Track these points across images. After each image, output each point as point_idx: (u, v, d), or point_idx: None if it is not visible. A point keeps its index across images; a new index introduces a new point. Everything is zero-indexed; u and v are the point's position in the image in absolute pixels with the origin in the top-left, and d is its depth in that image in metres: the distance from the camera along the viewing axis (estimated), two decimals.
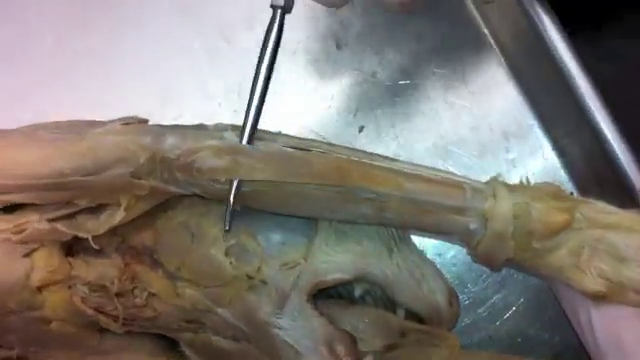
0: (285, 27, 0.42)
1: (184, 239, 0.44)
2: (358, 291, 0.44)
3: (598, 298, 0.39)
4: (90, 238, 0.43)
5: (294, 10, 0.42)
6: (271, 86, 0.43)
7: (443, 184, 0.40)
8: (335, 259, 0.42)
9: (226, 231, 0.41)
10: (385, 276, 0.42)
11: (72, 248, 0.47)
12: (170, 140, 0.40)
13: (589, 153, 0.54)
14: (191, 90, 0.58)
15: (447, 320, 0.45)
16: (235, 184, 0.39)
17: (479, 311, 0.55)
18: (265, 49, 0.41)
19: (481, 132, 0.56)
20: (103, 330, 0.50)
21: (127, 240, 0.46)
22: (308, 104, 0.57)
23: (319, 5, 0.44)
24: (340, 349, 0.42)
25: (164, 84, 0.58)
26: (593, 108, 0.51)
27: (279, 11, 0.41)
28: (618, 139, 0.48)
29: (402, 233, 0.44)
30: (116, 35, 0.61)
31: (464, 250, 0.53)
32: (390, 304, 0.44)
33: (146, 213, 0.46)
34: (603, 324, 0.40)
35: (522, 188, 0.40)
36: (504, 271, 0.55)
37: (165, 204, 0.45)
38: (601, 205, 0.39)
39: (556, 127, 0.56)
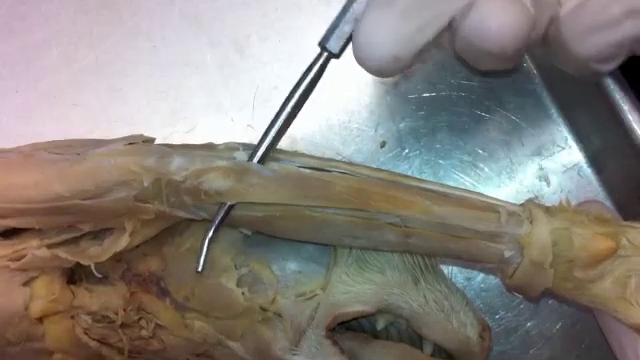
0: None
1: (193, 267, 0.41)
2: (381, 323, 0.41)
3: None
4: (92, 266, 0.40)
5: None
6: None
7: (474, 207, 0.36)
8: (356, 289, 0.39)
9: (197, 272, 0.37)
10: (410, 308, 0.39)
11: (74, 274, 0.44)
12: (176, 162, 0.37)
13: (628, 169, 0.50)
14: (203, 104, 0.55)
15: (478, 355, 0.41)
16: (225, 209, 0.36)
17: (511, 339, 0.51)
18: (299, 86, 0.38)
19: (512, 148, 0.52)
20: None
21: (132, 267, 0.43)
22: (327, 118, 0.54)
23: (334, 13, 0.41)
24: None
25: (175, 98, 0.55)
26: (632, 120, 0.47)
27: (326, 55, 0.37)
28: None
29: (429, 261, 0.40)
30: (124, 47, 0.58)
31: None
32: (416, 338, 0.41)
33: (152, 238, 0.43)
34: None
35: (561, 211, 0.36)
36: None
37: (172, 229, 0.42)
38: None
39: (592, 141, 0.52)
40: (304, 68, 0.53)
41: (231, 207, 0.36)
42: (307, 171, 0.37)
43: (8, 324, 0.42)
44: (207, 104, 0.56)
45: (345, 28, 0.36)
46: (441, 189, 0.37)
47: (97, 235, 0.42)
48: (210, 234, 0.37)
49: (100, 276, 0.40)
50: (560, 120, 0.52)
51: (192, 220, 0.41)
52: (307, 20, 0.56)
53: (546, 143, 0.52)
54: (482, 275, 0.52)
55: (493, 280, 0.52)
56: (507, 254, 0.36)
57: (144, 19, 0.58)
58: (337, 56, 0.38)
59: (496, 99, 0.53)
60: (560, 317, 0.51)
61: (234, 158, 0.37)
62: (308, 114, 0.50)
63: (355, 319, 0.41)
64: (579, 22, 0.34)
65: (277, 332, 0.39)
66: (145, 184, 0.37)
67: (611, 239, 0.35)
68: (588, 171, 0.52)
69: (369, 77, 0.53)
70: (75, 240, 0.42)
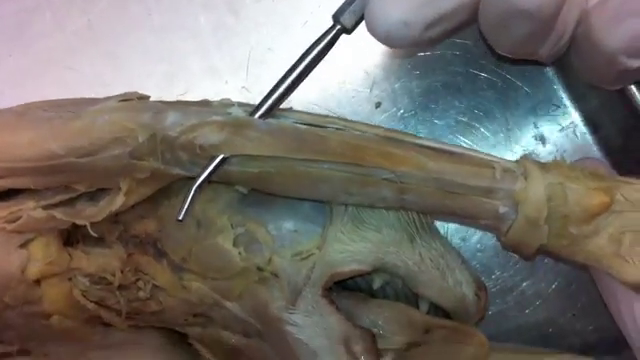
0: None
1: (190, 227, 0.41)
2: (377, 283, 0.41)
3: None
4: (88, 225, 0.40)
5: None
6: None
7: (469, 163, 0.36)
8: (352, 248, 0.39)
9: (178, 221, 0.37)
10: (406, 267, 0.39)
11: (71, 237, 0.44)
12: (171, 117, 0.37)
13: (625, 127, 0.49)
14: (197, 67, 0.55)
15: (474, 314, 0.41)
16: (217, 161, 0.36)
17: (507, 299, 0.51)
18: (305, 57, 0.37)
19: (507, 107, 0.52)
20: (107, 324, 0.48)
21: (129, 229, 0.43)
22: (320, 79, 0.53)
23: None
24: (358, 348, 0.38)
25: (168, 61, 0.55)
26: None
27: (338, 28, 0.37)
28: None
29: (424, 219, 0.40)
30: (117, 10, 0.57)
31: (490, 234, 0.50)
32: (412, 297, 0.41)
33: (149, 199, 0.43)
34: None
35: (556, 167, 0.36)
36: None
37: (168, 189, 0.42)
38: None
39: (588, 100, 0.51)
40: (298, 30, 0.54)
41: (224, 160, 0.36)
42: (303, 126, 0.37)
43: (5, 287, 0.42)
44: (201, 67, 0.56)
45: (361, 4, 0.36)
46: (436, 145, 0.37)
47: (93, 197, 0.42)
48: (197, 183, 0.37)
49: (96, 236, 0.40)
50: (556, 79, 0.52)
51: (188, 179, 0.41)
52: None
53: (542, 102, 0.52)
54: (478, 235, 0.52)
55: (489, 240, 0.52)
56: (502, 210, 0.36)
57: None
58: (349, 31, 0.37)
59: (491, 59, 0.52)
60: (556, 277, 0.52)
61: (229, 113, 0.37)
62: None
63: (351, 278, 0.41)
64: (607, 11, 0.34)
65: (274, 292, 0.39)
66: (140, 140, 0.37)
67: (605, 194, 0.35)
68: (584, 130, 0.52)
69: (365, 38, 0.53)
70: (71, 201, 0.42)
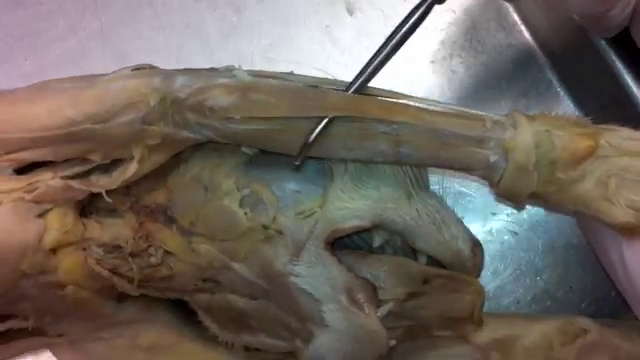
0: None
1: (197, 193, 0.43)
2: (377, 241, 0.42)
3: (627, 230, 0.37)
4: (104, 193, 0.42)
5: None
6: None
7: (462, 116, 0.38)
8: (352, 206, 0.41)
9: (296, 166, 0.40)
10: (404, 222, 0.41)
11: (85, 209, 0.46)
12: (180, 80, 0.39)
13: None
14: (204, 65, 0.57)
15: (470, 269, 0.43)
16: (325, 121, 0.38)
17: (504, 274, 0.53)
18: (401, 28, 0.40)
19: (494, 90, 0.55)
20: (119, 300, 0.50)
21: (140, 200, 0.45)
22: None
23: None
24: (360, 297, 0.40)
25: (177, 59, 0.58)
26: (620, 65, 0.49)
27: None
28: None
29: (421, 178, 0.42)
30: (127, 14, 0.61)
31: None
32: (411, 253, 0.43)
33: (158, 171, 0.45)
34: (635, 259, 0.38)
35: (542, 117, 0.38)
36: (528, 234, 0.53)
37: (177, 159, 0.45)
38: (627, 131, 0.38)
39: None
40: (298, 27, 0.57)
41: (331, 120, 0.38)
42: (304, 86, 0.39)
43: (23, 255, 0.44)
44: (208, 64, 0.58)
45: None
46: (430, 102, 0.39)
47: (107, 169, 0.44)
48: (311, 138, 0.38)
49: (110, 201, 0.42)
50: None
51: (196, 148, 0.44)
52: None
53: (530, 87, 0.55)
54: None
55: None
56: (492, 159, 0.38)
57: None
58: (441, 1, 0.40)
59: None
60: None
61: (234, 76, 0.39)
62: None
63: (350, 236, 0.43)
64: None
65: (278, 248, 0.41)
66: (152, 104, 0.39)
67: (590, 139, 0.37)
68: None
69: None
70: (86, 174, 0.44)
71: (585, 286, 0.54)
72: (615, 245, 0.39)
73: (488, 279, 0.54)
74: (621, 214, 0.37)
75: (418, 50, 0.57)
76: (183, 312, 0.52)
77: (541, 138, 0.37)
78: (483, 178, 0.39)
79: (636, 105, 0.48)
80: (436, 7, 0.41)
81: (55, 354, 0.54)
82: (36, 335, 0.51)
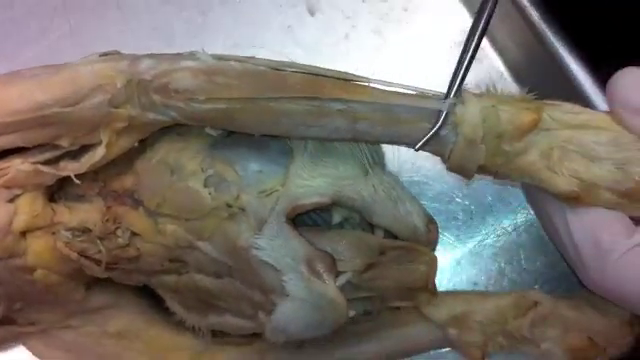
0: None
1: (163, 176, 0.45)
2: (336, 218, 0.44)
3: (571, 198, 0.40)
4: (73, 176, 0.44)
5: None
6: None
7: (413, 95, 0.41)
8: (312, 184, 0.43)
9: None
10: (362, 198, 0.43)
11: (54, 195, 0.48)
12: (146, 63, 0.41)
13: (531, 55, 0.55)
14: None
15: (425, 244, 0.45)
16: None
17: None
18: (476, 28, 0.41)
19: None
20: (88, 287, 0.51)
21: (108, 185, 0.47)
22: None
23: None
24: (320, 267, 0.42)
25: None
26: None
27: None
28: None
29: (377, 156, 0.45)
30: (97, 15, 0.63)
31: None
32: (369, 230, 0.45)
33: (125, 157, 0.47)
34: (580, 226, 0.40)
35: (488, 94, 0.41)
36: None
37: (143, 145, 0.46)
38: (568, 106, 0.40)
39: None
40: (261, 27, 0.59)
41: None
42: (265, 69, 0.41)
43: None
44: None
45: None
46: (384, 82, 0.42)
47: (75, 155, 0.46)
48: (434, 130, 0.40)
49: (79, 182, 0.44)
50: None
51: (162, 133, 0.46)
52: None
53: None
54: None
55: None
56: (442, 133, 0.40)
57: None
58: None
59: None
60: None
61: (198, 59, 0.41)
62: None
63: (311, 213, 0.45)
64: None
65: (242, 225, 0.43)
66: (118, 86, 0.41)
67: (534, 112, 0.40)
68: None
69: None
70: (56, 160, 0.46)
71: (538, 267, 0.56)
72: (560, 213, 0.41)
73: (446, 261, 0.56)
74: (565, 183, 0.40)
75: None
76: (151, 299, 0.54)
77: (488, 113, 0.40)
78: (434, 153, 0.41)
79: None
80: None
81: (26, 345, 0.54)
82: (6, 324, 0.52)
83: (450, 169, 0.42)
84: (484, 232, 0.57)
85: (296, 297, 0.41)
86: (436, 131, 0.40)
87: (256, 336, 0.51)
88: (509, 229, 0.57)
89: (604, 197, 0.40)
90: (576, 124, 0.40)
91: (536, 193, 0.43)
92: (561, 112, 0.40)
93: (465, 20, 0.60)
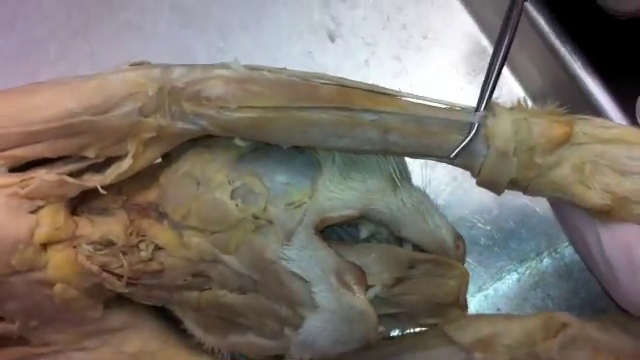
0: None
1: (189, 188, 0.44)
2: (364, 233, 0.44)
3: (603, 213, 0.39)
4: (99, 187, 0.43)
5: None
6: None
7: (444, 107, 0.41)
8: (340, 196, 0.43)
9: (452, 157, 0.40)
10: (390, 211, 0.43)
11: (77, 209, 0.47)
12: (178, 71, 0.41)
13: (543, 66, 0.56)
14: None
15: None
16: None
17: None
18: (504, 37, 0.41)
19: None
20: (106, 306, 0.50)
21: (132, 198, 0.47)
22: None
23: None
24: (349, 279, 0.41)
25: None
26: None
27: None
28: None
29: (404, 171, 0.44)
30: (117, 39, 0.63)
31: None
32: (396, 244, 0.44)
33: (150, 172, 0.47)
34: (612, 242, 0.40)
35: (520, 107, 0.41)
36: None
37: (169, 159, 0.46)
38: (599, 120, 0.41)
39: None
40: (282, 52, 0.59)
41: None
42: (297, 79, 0.41)
43: (14, 250, 0.44)
44: None
45: None
46: (414, 95, 0.42)
47: (100, 169, 0.46)
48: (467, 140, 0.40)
49: (104, 192, 0.43)
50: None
51: (188, 146, 0.45)
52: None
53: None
54: None
55: None
56: (474, 145, 0.40)
57: (135, 14, 0.64)
58: None
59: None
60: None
61: (231, 68, 0.41)
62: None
63: (338, 228, 0.44)
64: None
65: (269, 237, 0.43)
66: (150, 94, 0.41)
67: (566, 125, 0.40)
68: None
69: None
70: (80, 172, 0.46)
71: (561, 293, 0.55)
72: (592, 229, 0.41)
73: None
74: (597, 197, 0.39)
75: None
76: (168, 321, 0.53)
77: (519, 125, 0.40)
78: (464, 167, 0.41)
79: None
80: None
81: None
82: (20, 345, 0.51)
83: (480, 183, 0.41)
84: (506, 258, 0.56)
85: (326, 309, 0.41)
86: (468, 143, 0.39)
87: (277, 358, 0.50)
88: (532, 255, 0.56)
89: (636, 211, 0.40)
90: (607, 138, 0.40)
91: (567, 210, 0.43)
92: (592, 126, 0.40)
93: (484, 47, 0.60)
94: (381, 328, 0.42)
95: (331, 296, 0.41)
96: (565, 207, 0.42)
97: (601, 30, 0.52)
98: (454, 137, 0.40)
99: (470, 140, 0.39)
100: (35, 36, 0.64)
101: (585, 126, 0.40)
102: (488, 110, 0.41)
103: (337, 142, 0.41)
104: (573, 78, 0.53)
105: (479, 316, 0.50)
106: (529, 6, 0.52)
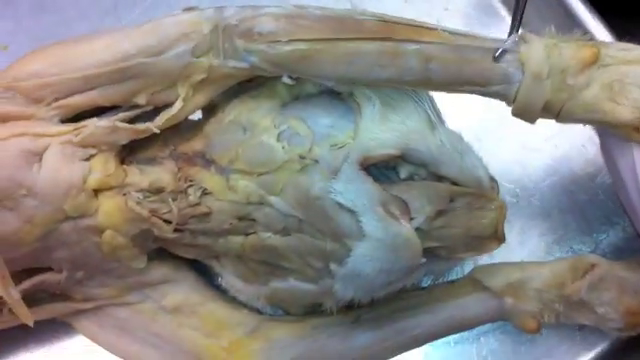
0: None
1: (236, 134, 0.46)
2: (403, 173, 0.46)
3: (635, 129, 0.42)
4: (152, 128, 0.46)
5: None
6: None
7: (480, 37, 0.44)
8: (381, 136, 0.45)
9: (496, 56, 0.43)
10: (429, 150, 0.45)
11: (126, 160, 0.49)
12: (231, 10, 0.44)
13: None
14: None
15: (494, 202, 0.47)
16: None
17: None
18: None
19: None
20: (149, 259, 0.52)
21: (178, 149, 0.48)
22: None
23: None
24: (394, 210, 0.43)
25: None
26: None
27: None
28: None
29: (440, 115, 0.47)
30: (147, 17, 0.65)
31: None
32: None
33: (195, 123, 0.49)
34: None
35: (549, 34, 0.44)
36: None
37: (214, 110, 0.48)
38: (620, 44, 0.44)
39: None
40: None
41: None
42: (343, 13, 0.44)
43: (67, 195, 0.46)
44: None
45: None
46: (451, 28, 0.44)
47: (150, 118, 0.48)
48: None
49: (157, 131, 0.46)
50: None
51: (233, 94, 0.48)
52: None
53: None
54: None
55: None
56: (511, 70, 0.43)
57: None
58: None
59: None
60: None
61: (280, 6, 0.44)
62: None
63: (380, 168, 0.46)
64: None
65: (314, 175, 0.44)
66: (205, 32, 0.43)
67: (593, 47, 0.43)
68: None
69: None
70: (131, 121, 0.48)
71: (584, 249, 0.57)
72: (626, 153, 0.44)
73: None
74: (627, 112, 0.42)
75: None
76: (205, 277, 0.54)
77: (551, 49, 0.43)
78: (500, 97, 0.44)
79: None
80: None
81: (79, 327, 0.54)
82: (63, 301, 0.53)
83: (515, 111, 0.44)
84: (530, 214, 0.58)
85: (372, 237, 0.43)
86: (508, 45, 0.43)
87: (310, 314, 0.51)
88: (554, 211, 0.58)
89: None
90: (630, 59, 0.43)
91: (607, 142, 0.45)
92: (615, 49, 0.43)
93: (508, 22, 0.63)
94: (423, 260, 0.44)
95: (378, 224, 0.43)
96: (605, 137, 0.45)
97: None
98: (491, 64, 0.43)
99: (508, 47, 0.43)
100: (65, 16, 0.65)
101: (609, 49, 0.43)
102: (520, 38, 0.43)
103: (381, 73, 0.43)
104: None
105: (509, 263, 0.52)
106: None
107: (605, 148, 0.46)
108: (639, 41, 0.44)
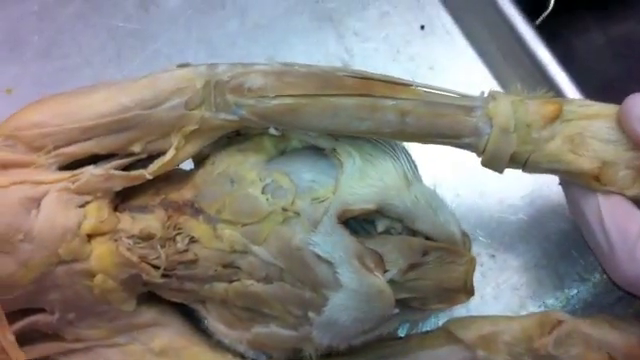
0: None
1: (224, 185, 0.49)
2: (380, 227, 0.48)
3: (595, 178, 0.45)
4: (146, 174, 0.49)
5: None
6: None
7: (452, 93, 0.47)
8: (360, 192, 0.47)
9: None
10: (405, 205, 0.47)
11: (119, 207, 0.52)
12: (222, 67, 0.47)
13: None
14: None
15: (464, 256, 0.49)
16: None
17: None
18: None
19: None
20: (138, 303, 0.54)
21: (169, 198, 0.51)
22: None
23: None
24: (369, 262, 0.46)
25: None
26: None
27: None
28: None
29: (417, 171, 0.50)
30: (148, 68, 0.68)
31: None
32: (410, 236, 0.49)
33: (185, 174, 0.52)
34: (611, 215, 0.45)
35: (515, 91, 0.48)
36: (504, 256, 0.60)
37: (204, 162, 0.51)
38: (579, 100, 0.47)
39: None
40: None
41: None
42: (325, 71, 0.47)
43: (62, 240, 0.49)
44: None
45: None
46: (424, 85, 0.48)
47: (144, 165, 0.51)
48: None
49: (150, 177, 0.49)
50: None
51: (222, 147, 0.51)
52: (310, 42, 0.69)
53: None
54: None
55: None
56: (480, 124, 0.46)
57: (165, 45, 0.70)
58: None
59: None
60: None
61: (268, 64, 0.47)
62: None
63: (356, 222, 0.49)
64: None
65: (296, 227, 0.47)
66: (198, 86, 0.47)
67: (555, 104, 0.46)
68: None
69: None
70: (125, 169, 0.51)
71: (556, 304, 0.60)
72: (589, 200, 0.46)
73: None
74: (587, 162, 0.45)
75: None
76: (191, 320, 0.57)
77: (517, 105, 0.46)
78: (470, 148, 0.47)
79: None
80: None
81: None
82: (54, 341, 0.55)
83: (484, 162, 0.47)
84: (507, 272, 0.61)
85: (348, 287, 0.45)
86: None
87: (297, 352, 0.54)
88: (529, 266, 0.61)
89: (621, 173, 0.45)
90: (590, 114, 0.46)
91: (570, 189, 0.48)
92: (577, 105, 0.47)
93: (488, 80, 0.67)
94: (395, 310, 0.46)
95: (353, 276, 0.45)
96: (569, 187, 0.48)
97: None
98: (462, 118, 0.46)
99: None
100: (70, 63, 0.69)
101: (570, 105, 0.46)
102: (489, 95, 0.47)
103: (360, 125, 0.47)
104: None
105: (481, 316, 0.54)
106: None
107: (570, 198, 0.49)
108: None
